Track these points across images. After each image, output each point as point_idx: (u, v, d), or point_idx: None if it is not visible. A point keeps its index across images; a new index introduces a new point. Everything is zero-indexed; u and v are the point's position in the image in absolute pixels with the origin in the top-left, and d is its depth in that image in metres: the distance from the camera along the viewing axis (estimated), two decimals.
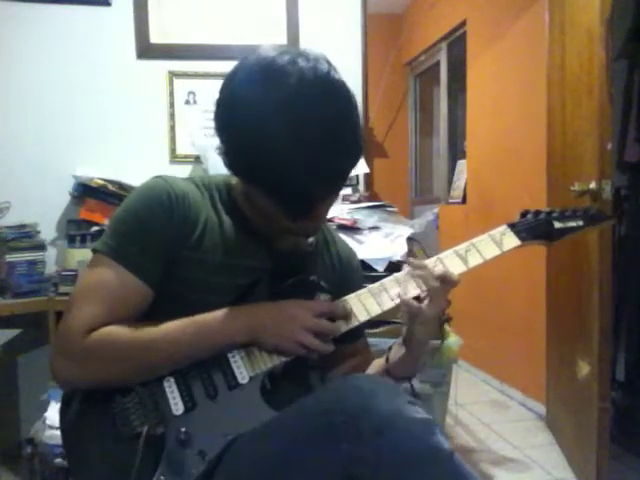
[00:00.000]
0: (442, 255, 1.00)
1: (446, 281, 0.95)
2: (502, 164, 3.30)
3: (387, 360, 1.03)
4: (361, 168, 2.26)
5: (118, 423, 0.87)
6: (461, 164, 3.89)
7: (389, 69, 4.80)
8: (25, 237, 2.11)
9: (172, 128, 2.40)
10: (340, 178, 0.88)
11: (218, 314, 0.92)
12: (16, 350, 2.18)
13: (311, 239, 1.05)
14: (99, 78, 2.34)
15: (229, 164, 0.89)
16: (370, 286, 0.99)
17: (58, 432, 1.61)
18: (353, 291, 0.99)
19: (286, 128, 0.80)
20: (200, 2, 2.41)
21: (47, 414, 1.73)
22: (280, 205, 0.87)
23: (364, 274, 1.21)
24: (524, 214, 1.05)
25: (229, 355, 0.92)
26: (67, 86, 2.32)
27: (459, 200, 3.78)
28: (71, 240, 2.15)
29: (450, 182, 4.05)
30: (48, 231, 2.26)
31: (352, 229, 1.87)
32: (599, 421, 2.00)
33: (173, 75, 2.39)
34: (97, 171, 2.24)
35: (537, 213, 1.04)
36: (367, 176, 2.46)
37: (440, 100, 4.32)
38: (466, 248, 1.00)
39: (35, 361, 2.20)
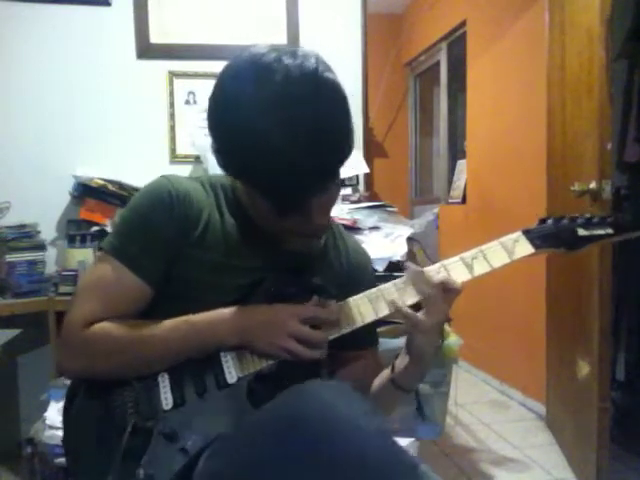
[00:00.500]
0: (447, 262, 0.95)
1: (447, 289, 0.91)
2: (502, 164, 3.30)
3: (393, 369, 1.01)
4: (361, 168, 2.26)
5: (113, 414, 0.90)
6: (461, 164, 3.89)
7: (389, 69, 4.80)
8: (25, 237, 2.11)
9: (172, 128, 2.40)
10: (327, 174, 0.86)
11: (210, 315, 0.93)
12: (16, 350, 2.18)
13: (320, 242, 1.04)
14: (99, 78, 2.34)
15: (221, 162, 0.90)
16: (368, 291, 0.97)
17: (58, 432, 1.62)
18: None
19: (272, 125, 0.80)
20: (200, 2, 2.41)
21: (47, 414, 1.73)
22: (270, 201, 0.88)
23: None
24: (544, 220, 0.98)
25: (221, 355, 0.93)
26: (67, 86, 2.32)
27: (459, 200, 3.78)
28: (71, 240, 2.15)
29: (450, 182, 4.05)
30: (48, 231, 2.26)
31: (352, 229, 1.87)
32: (599, 421, 2.00)
33: (173, 75, 2.39)
34: (97, 171, 2.24)
35: (558, 219, 0.97)
36: (367, 176, 2.46)
37: (440, 100, 4.32)
38: (473, 255, 0.95)
39: (35, 361, 2.20)
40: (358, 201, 2.12)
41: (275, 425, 0.79)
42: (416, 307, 0.94)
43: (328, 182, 0.88)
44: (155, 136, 2.40)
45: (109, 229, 2.14)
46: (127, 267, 0.93)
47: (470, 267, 0.95)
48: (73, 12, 2.32)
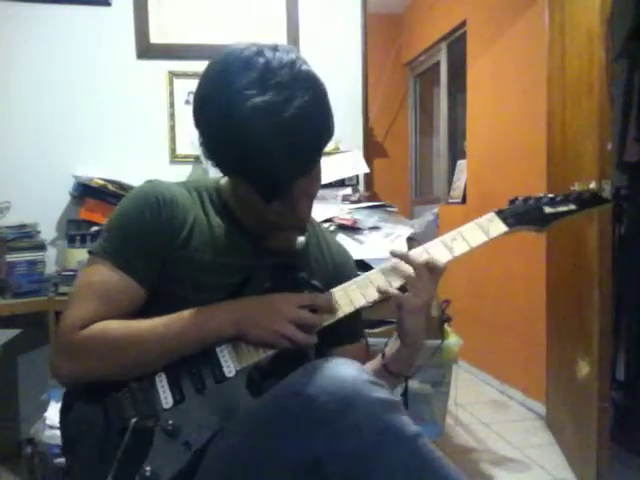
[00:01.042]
0: (428, 245, 1.00)
1: (430, 268, 0.95)
2: (502, 164, 3.30)
3: (383, 356, 1.04)
4: (361, 168, 2.25)
5: (112, 417, 0.90)
6: (461, 164, 3.89)
7: (389, 69, 4.80)
8: (25, 237, 2.11)
9: (172, 128, 2.40)
10: (306, 156, 0.89)
11: (204, 309, 0.94)
12: (16, 350, 2.18)
13: (301, 238, 1.06)
14: (99, 78, 2.35)
15: (208, 155, 0.93)
16: (356, 278, 1.00)
17: (58, 432, 1.62)
18: None
19: (251, 109, 0.83)
20: (200, 2, 2.41)
21: (47, 414, 1.73)
22: (254, 187, 0.91)
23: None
24: (513, 200, 1.05)
25: (217, 349, 0.94)
26: (67, 86, 2.32)
27: (459, 200, 3.78)
28: (71, 240, 2.15)
29: (450, 182, 4.05)
30: (48, 231, 2.26)
31: (352, 229, 1.87)
32: (599, 421, 2.00)
33: (173, 75, 2.40)
34: (97, 171, 2.24)
35: (526, 199, 1.04)
36: (367, 176, 2.46)
37: (440, 100, 4.32)
38: (452, 237, 1.00)
39: (35, 361, 2.20)
40: (358, 201, 2.11)
41: (278, 405, 0.82)
42: (402, 290, 0.97)
43: (307, 166, 0.91)
44: (155, 136, 2.40)
45: None
46: (121, 269, 0.95)
47: (450, 248, 0.99)
48: (73, 12, 2.32)
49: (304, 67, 0.88)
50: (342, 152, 2.27)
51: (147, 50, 2.38)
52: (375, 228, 1.91)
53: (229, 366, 0.93)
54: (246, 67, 0.86)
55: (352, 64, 2.49)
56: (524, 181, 3.00)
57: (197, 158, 2.37)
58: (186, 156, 2.40)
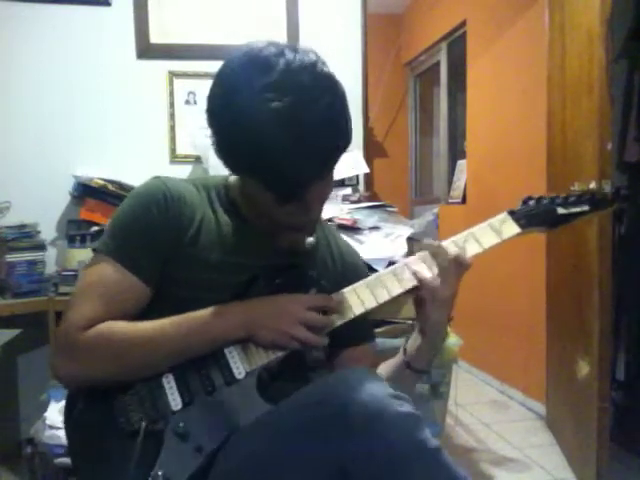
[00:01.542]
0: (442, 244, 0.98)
1: (459, 262, 0.94)
2: (502, 164, 3.30)
3: (405, 352, 1.01)
4: (361, 168, 2.25)
5: (119, 420, 0.88)
6: (461, 164, 3.89)
7: (389, 69, 4.80)
8: (25, 237, 2.11)
9: (172, 128, 2.40)
10: (326, 160, 0.88)
11: (213, 310, 0.93)
12: (16, 350, 2.18)
13: (311, 239, 1.05)
14: (99, 78, 2.34)
15: (223, 157, 0.91)
16: (367, 279, 0.99)
17: (58, 432, 1.62)
18: None
19: (271, 113, 0.81)
20: (200, 2, 2.41)
21: (47, 414, 1.73)
22: (271, 190, 0.88)
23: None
24: (526, 200, 1.03)
25: (226, 351, 0.93)
26: (67, 86, 2.32)
27: (459, 200, 3.78)
28: (71, 240, 2.15)
29: (450, 182, 4.05)
30: (48, 231, 2.26)
31: (352, 229, 1.87)
32: (599, 421, 2.00)
33: (173, 75, 2.39)
34: (97, 171, 2.24)
35: (540, 199, 1.02)
36: (367, 176, 2.46)
37: (440, 100, 4.32)
38: (464, 238, 0.99)
39: (35, 361, 2.20)
40: (358, 201, 2.11)
41: (304, 415, 0.80)
42: (416, 290, 0.96)
43: (326, 170, 0.89)
44: (155, 136, 2.40)
45: None
46: (125, 268, 0.93)
47: (462, 249, 0.97)
48: (73, 12, 2.32)
49: (325, 69, 0.86)
50: None
51: (147, 50, 2.38)
52: (375, 228, 1.91)
53: (238, 367, 0.91)
54: (266, 68, 0.83)
55: (352, 64, 2.49)
56: (524, 181, 3.00)
57: (197, 158, 2.37)
58: (186, 156, 2.40)
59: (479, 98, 3.62)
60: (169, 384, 0.91)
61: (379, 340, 1.18)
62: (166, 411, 0.88)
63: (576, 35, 2.21)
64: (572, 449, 2.30)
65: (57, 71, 2.32)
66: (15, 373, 2.25)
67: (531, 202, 1.02)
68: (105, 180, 2.19)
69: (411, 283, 0.96)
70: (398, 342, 1.50)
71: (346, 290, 0.97)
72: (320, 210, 0.98)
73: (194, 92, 2.39)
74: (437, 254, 0.95)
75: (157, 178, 1.00)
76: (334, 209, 1.97)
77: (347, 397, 0.78)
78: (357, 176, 2.29)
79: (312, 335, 0.92)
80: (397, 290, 0.96)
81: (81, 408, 0.92)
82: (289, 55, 0.84)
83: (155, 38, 2.38)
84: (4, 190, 2.24)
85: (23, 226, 2.12)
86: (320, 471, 0.77)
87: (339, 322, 0.95)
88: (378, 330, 1.61)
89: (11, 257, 2.05)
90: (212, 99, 0.90)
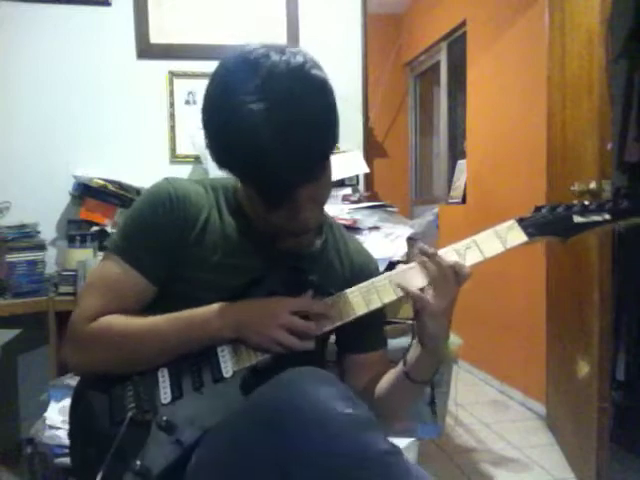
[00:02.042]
0: (440, 251, 0.95)
1: (456, 271, 0.91)
2: (502, 164, 3.30)
3: (405, 363, 1.00)
4: (361, 168, 2.25)
5: (113, 409, 0.92)
6: (461, 164, 3.89)
7: (389, 69, 4.80)
8: (25, 237, 2.11)
9: (172, 128, 2.40)
10: (308, 164, 0.86)
11: (206, 309, 0.95)
12: (16, 350, 2.18)
13: (318, 241, 1.05)
14: (99, 78, 2.34)
15: (214, 157, 0.92)
16: (360, 285, 0.97)
17: (58, 432, 1.62)
18: None
19: (256, 116, 0.81)
20: (200, 2, 2.41)
21: (47, 414, 1.73)
22: (259, 194, 0.90)
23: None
24: (538, 208, 0.97)
25: (218, 349, 0.95)
26: (67, 86, 2.32)
27: (459, 200, 3.78)
28: (71, 240, 2.14)
29: (450, 182, 4.05)
30: (48, 231, 2.26)
31: (352, 229, 1.86)
32: (599, 421, 2.00)
33: (173, 75, 2.40)
34: (97, 171, 2.24)
35: (554, 207, 0.96)
36: (367, 176, 2.46)
37: (440, 100, 4.32)
38: (466, 245, 0.95)
39: (35, 361, 2.20)
40: (358, 201, 2.11)
41: (250, 415, 0.82)
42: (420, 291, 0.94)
43: (310, 173, 0.87)
44: (155, 136, 2.40)
45: (109, 229, 2.15)
46: (131, 266, 0.97)
47: (462, 257, 0.94)
48: (73, 12, 2.32)
49: (313, 71, 0.85)
50: (342, 152, 2.27)
51: (147, 50, 2.38)
52: (375, 228, 1.91)
53: (227, 366, 0.94)
54: (251, 71, 0.83)
55: (352, 64, 2.49)
56: (524, 181, 3.01)
57: (197, 158, 2.37)
58: (186, 156, 2.40)
59: (479, 98, 3.62)
60: (163, 378, 0.94)
61: None
62: (156, 403, 0.91)
63: (576, 35, 2.21)
64: (572, 449, 2.30)
65: (57, 71, 2.32)
66: (15, 373, 2.25)
67: (544, 210, 0.96)
68: (105, 180, 2.19)
69: (421, 282, 0.94)
70: (398, 342, 1.50)
71: (339, 295, 0.97)
72: (315, 214, 0.96)
73: (194, 92, 2.39)
74: (427, 266, 0.92)
75: (165, 179, 1.03)
76: (334, 209, 1.97)
77: (282, 401, 0.78)
78: (357, 176, 2.28)
79: (295, 339, 0.92)
80: (390, 297, 0.95)
81: (85, 398, 0.97)
82: (274, 57, 0.84)
83: (155, 38, 2.38)
84: (4, 190, 2.24)
85: (23, 226, 2.11)
86: (265, 473, 0.78)
87: (327, 327, 0.95)
88: None
89: (11, 257, 2.05)
90: (205, 102, 0.90)
